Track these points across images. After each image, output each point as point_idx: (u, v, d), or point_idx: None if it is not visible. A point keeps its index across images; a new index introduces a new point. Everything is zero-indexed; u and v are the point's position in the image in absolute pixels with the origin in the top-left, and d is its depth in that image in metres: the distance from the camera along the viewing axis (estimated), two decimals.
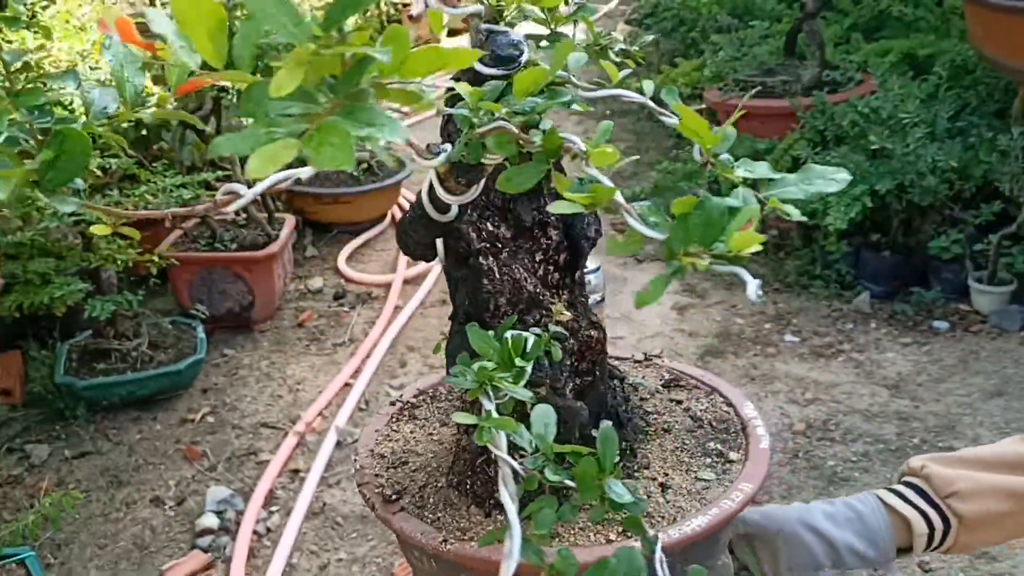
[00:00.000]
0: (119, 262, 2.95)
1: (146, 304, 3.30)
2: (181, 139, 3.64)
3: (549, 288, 1.27)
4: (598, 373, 1.32)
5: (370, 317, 3.67)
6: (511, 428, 0.89)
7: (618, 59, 1.37)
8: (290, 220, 3.76)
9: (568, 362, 1.25)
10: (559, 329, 1.22)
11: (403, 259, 4.07)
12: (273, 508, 2.65)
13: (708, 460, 1.33)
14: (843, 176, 0.89)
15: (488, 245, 1.24)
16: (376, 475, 1.38)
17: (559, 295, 1.28)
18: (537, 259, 1.27)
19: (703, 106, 4.37)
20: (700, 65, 4.47)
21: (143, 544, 2.54)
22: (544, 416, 0.94)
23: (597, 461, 0.90)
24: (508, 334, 0.98)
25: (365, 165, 4.38)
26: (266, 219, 3.64)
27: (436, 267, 4.01)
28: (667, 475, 1.30)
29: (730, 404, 1.46)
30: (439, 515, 1.27)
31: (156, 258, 3.12)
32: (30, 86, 0.93)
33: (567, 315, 1.25)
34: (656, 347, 1.66)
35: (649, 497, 1.26)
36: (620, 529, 1.20)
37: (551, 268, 1.28)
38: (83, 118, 0.91)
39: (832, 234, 3.36)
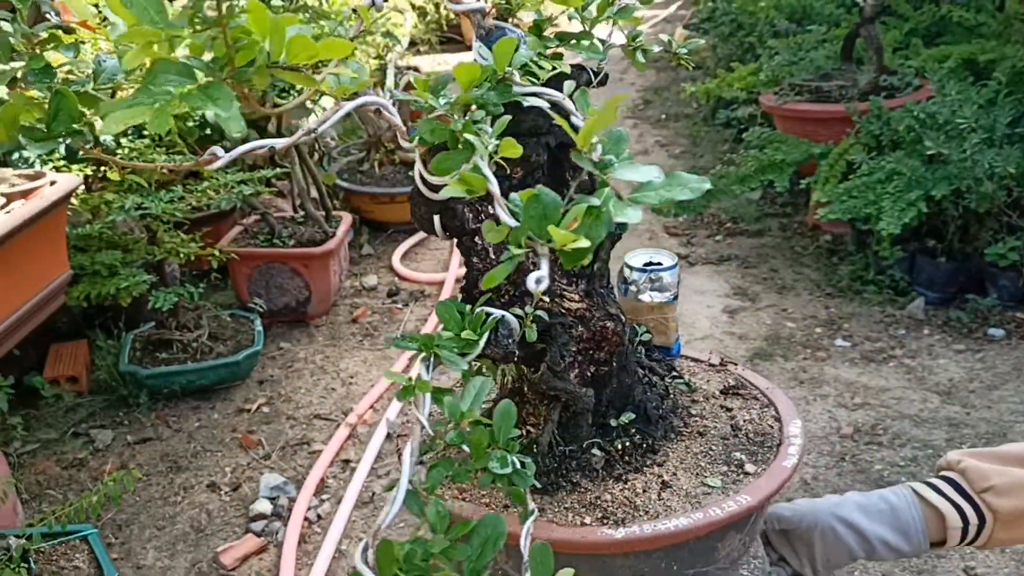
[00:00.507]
0: (182, 255, 3.06)
1: (206, 298, 3.41)
2: (245, 140, 3.74)
3: (569, 276, 1.31)
4: (615, 364, 1.35)
5: (422, 314, 3.74)
6: (427, 390, 0.97)
7: (674, 61, 1.41)
8: (347, 218, 3.85)
9: (573, 347, 1.29)
10: (561, 314, 1.27)
11: (455, 259, 4.14)
12: (324, 496, 2.73)
13: (724, 468, 1.33)
14: (702, 185, 0.93)
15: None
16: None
17: (576, 284, 1.31)
18: None
19: (759, 110, 4.37)
20: (756, 69, 4.47)
21: (199, 527, 2.63)
22: (478, 387, 0.99)
23: (491, 433, 0.95)
24: (480, 309, 1.04)
25: None
26: (324, 217, 3.73)
27: None
28: (675, 475, 1.32)
29: (778, 419, 1.44)
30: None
31: (217, 252, 3.22)
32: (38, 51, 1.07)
33: (576, 303, 1.28)
34: (705, 349, 1.67)
35: (644, 492, 1.28)
36: (600, 515, 1.25)
37: None
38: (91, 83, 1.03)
39: (886, 239, 3.34)
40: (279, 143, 1.04)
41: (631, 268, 1.54)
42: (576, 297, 1.31)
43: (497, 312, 1.07)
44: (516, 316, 1.12)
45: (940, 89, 3.58)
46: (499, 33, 1.20)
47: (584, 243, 0.85)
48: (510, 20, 1.30)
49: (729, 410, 1.47)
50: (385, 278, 4.07)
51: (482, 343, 1.02)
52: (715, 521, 1.21)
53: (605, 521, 1.24)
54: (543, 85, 1.18)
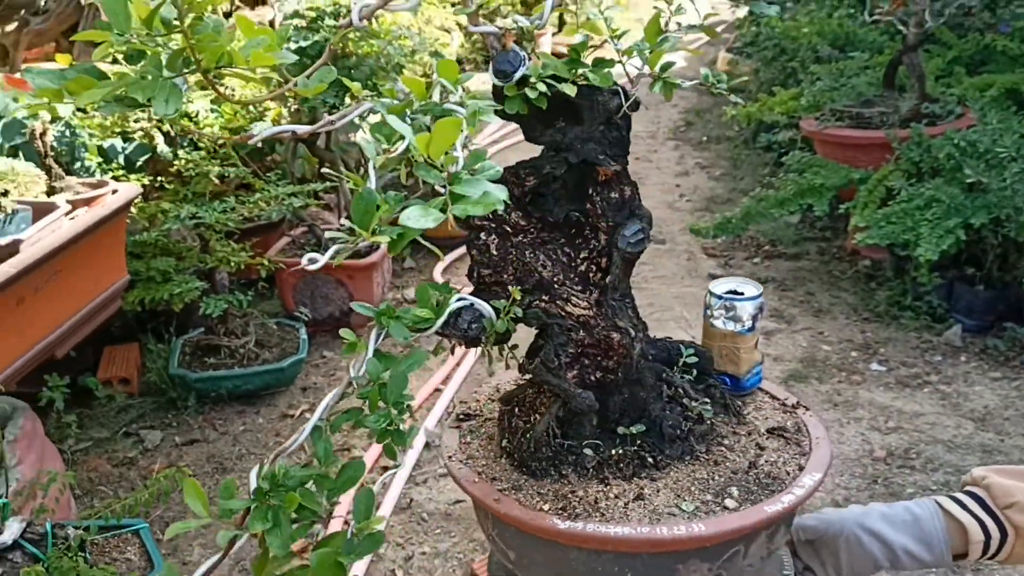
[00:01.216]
0: (233, 264, 3.17)
1: (253, 306, 3.51)
2: (293, 152, 3.86)
3: (586, 284, 1.39)
4: (622, 375, 1.41)
5: None
6: (363, 350, 1.14)
7: (711, 88, 1.48)
8: None
9: (572, 349, 1.37)
10: (562, 316, 1.37)
11: None
12: None
13: (709, 498, 1.36)
14: (500, 195, 1.03)
15: (493, 225, 1.39)
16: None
17: (589, 292, 1.39)
18: (580, 256, 1.41)
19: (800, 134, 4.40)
20: (798, 94, 4.50)
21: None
22: (411, 360, 1.16)
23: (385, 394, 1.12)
24: (455, 295, 1.22)
25: None
26: None
27: None
28: (657, 492, 1.37)
29: (801, 468, 1.43)
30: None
31: (266, 262, 3.33)
32: None
33: (581, 309, 1.37)
34: None
35: (615, 498, 1.35)
36: (560, 507, 1.36)
37: (594, 268, 1.41)
38: None
39: (924, 265, 3.36)
40: (300, 129, 1.19)
41: (712, 294, 1.58)
42: (583, 304, 1.38)
43: (465, 300, 1.21)
44: (495, 308, 1.26)
45: (982, 118, 3.60)
46: (507, 56, 1.30)
47: (384, 239, 1.02)
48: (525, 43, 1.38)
49: (761, 449, 1.47)
50: None
51: (438, 323, 1.18)
52: (656, 539, 1.26)
53: (560, 512, 1.33)
54: (564, 105, 1.29)
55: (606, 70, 1.33)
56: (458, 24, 5.75)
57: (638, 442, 1.42)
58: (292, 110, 3.72)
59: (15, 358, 2.25)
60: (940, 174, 3.56)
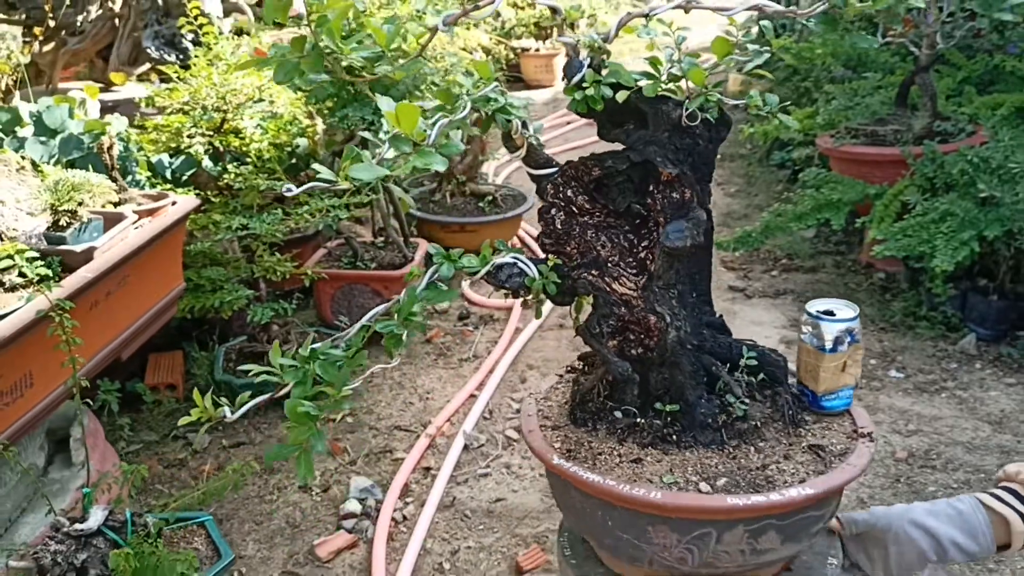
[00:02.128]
0: (279, 273, 3.31)
1: (292, 317, 3.64)
2: (330, 167, 4.00)
3: (642, 269, 1.58)
4: (657, 355, 1.58)
5: (492, 337, 3.95)
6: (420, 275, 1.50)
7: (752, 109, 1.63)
8: (423, 244, 4.09)
9: (613, 321, 1.59)
10: (607, 291, 1.59)
11: None
12: (408, 499, 2.93)
13: (694, 479, 1.50)
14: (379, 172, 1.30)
15: (562, 204, 1.62)
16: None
17: (639, 277, 1.57)
18: (641, 244, 1.60)
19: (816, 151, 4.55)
20: (813, 113, 4.66)
21: (294, 523, 2.84)
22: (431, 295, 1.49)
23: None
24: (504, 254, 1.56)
25: (490, 198, 4.69)
26: (403, 242, 3.97)
27: None
28: (658, 463, 1.53)
29: (802, 482, 1.49)
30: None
31: (309, 272, 3.47)
32: None
33: (625, 289, 1.58)
34: None
35: (617, 456, 1.56)
36: (567, 449, 1.60)
37: (651, 256, 1.58)
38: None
39: (939, 276, 3.49)
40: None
41: (806, 311, 1.67)
42: (630, 285, 1.58)
43: (507, 258, 1.54)
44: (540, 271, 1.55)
45: (994, 135, 3.75)
46: (570, 63, 1.53)
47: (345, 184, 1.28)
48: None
49: (787, 459, 1.54)
50: (456, 302, 4.30)
51: (483, 271, 1.52)
52: (615, 493, 1.46)
53: (564, 453, 1.57)
54: (635, 110, 1.50)
55: (653, 82, 1.49)
56: (480, 45, 5.92)
57: (668, 419, 1.58)
58: (329, 126, 3.88)
59: (89, 358, 2.39)
60: (954, 189, 3.70)
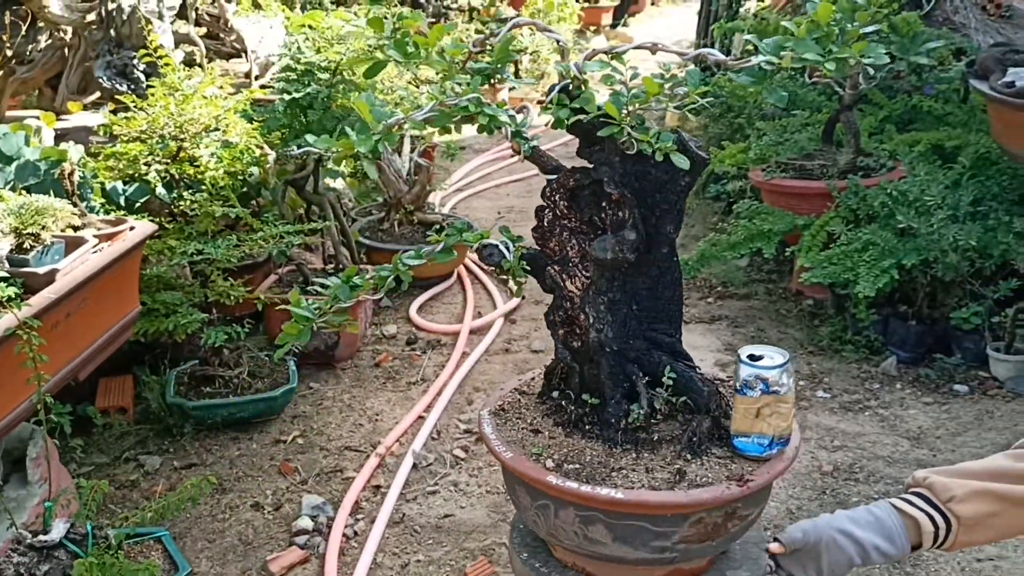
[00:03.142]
0: (232, 298, 3.39)
1: (244, 341, 3.72)
2: (282, 196, 4.11)
3: (590, 279, 1.80)
4: (584, 353, 1.79)
5: (439, 361, 4.07)
6: None
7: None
8: (371, 270, 4.19)
9: (561, 314, 1.84)
10: (560, 286, 1.83)
11: (469, 311, 4.49)
12: (359, 516, 3.02)
13: (556, 458, 1.74)
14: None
15: (551, 205, 1.85)
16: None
17: (582, 278, 1.80)
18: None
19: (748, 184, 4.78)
20: (745, 148, 4.89)
21: (247, 540, 2.92)
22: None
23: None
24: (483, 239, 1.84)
25: (437, 227, 4.82)
26: None
27: (499, 320, 4.42)
28: (551, 439, 1.79)
29: (638, 488, 1.66)
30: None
31: (261, 296, 3.56)
32: None
33: (573, 289, 1.82)
34: None
35: (529, 430, 1.83)
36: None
37: None
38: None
39: (862, 302, 3.72)
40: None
41: (737, 354, 1.74)
42: (579, 285, 1.81)
43: (491, 242, 1.81)
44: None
45: (911, 170, 4.02)
46: (552, 86, 1.74)
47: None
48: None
49: (646, 471, 1.69)
50: (403, 328, 4.41)
51: (475, 245, 1.83)
52: (499, 455, 1.76)
53: (495, 413, 1.90)
54: None
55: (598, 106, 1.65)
56: (427, 78, 6.07)
57: (588, 409, 1.79)
58: (281, 155, 3.99)
59: (50, 377, 2.45)
60: (875, 220, 3.94)
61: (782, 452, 1.74)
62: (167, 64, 3.48)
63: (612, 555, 1.68)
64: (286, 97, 3.63)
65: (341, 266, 4.08)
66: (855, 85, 4.31)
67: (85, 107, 5.16)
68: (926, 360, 3.82)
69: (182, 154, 3.42)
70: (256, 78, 5.68)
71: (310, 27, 4.12)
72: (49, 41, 5.21)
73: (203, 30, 6.09)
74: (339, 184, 5.11)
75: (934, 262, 3.67)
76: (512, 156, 7.49)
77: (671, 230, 1.76)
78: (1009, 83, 3.57)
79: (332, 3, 7.42)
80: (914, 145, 4.33)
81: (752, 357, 1.68)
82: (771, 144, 4.73)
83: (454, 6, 9.59)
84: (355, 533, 2.94)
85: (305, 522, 2.96)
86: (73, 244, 2.64)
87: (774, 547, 1.74)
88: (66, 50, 5.22)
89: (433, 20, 9.22)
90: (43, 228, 2.46)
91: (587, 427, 1.78)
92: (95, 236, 2.74)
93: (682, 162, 1.61)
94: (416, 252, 1.84)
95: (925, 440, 3.27)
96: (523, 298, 4.66)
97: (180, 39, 5.44)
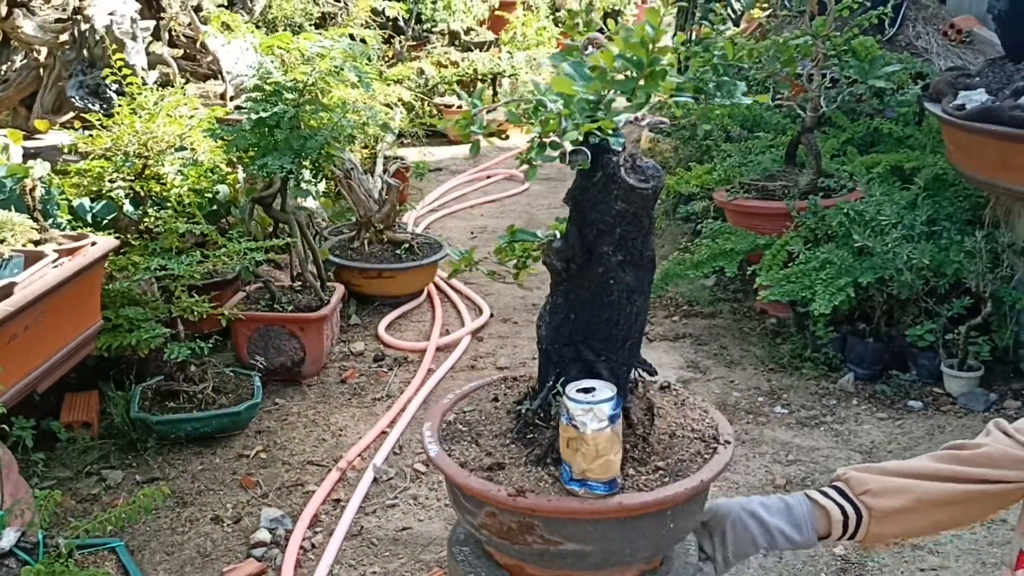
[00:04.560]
0: (196, 313, 3.43)
1: (209, 357, 3.75)
2: (250, 214, 4.16)
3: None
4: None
5: (406, 378, 4.11)
6: None
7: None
8: (340, 288, 4.25)
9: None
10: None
11: (436, 329, 4.54)
12: (317, 529, 3.05)
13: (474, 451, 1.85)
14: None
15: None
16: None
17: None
18: None
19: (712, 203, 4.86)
20: (711, 169, 4.98)
21: (205, 552, 2.94)
22: None
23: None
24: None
25: (407, 246, 4.88)
26: (319, 286, 4.12)
27: (466, 337, 4.47)
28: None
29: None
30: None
31: (225, 313, 3.60)
32: None
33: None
34: None
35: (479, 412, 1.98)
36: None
37: None
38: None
39: (820, 319, 3.78)
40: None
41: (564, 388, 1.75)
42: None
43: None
44: None
45: (868, 191, 4.10)
46: None
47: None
48: None
49: (511, 466, 1.82)
50: (371, 345, 4.45)
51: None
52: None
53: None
54: None
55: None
56: (401, 100, 6.15)
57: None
58: (249, 174, 4.04)
59: (7, 389, 2.48)
60: (833, 240, 4.02)
61: (589, 492, 1.65)
62: (131, 83, 3.53)
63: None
64: (253, 116, 3.68)
65: (307, 283, 4.13)
66: (816, 108, 4.41)
67: (64, 126, 5.21)
68: (883, 377, 3.88)
69: (147, 171, 3.47)
70: (231, 99, 5.73)
71: (279, 48, 4.18)
72: (24, 61, 5.25)
73: (179, 51, 6.15)
74: (312, 204, 5.17)
75: (890, 280, 3.74)
76: (487, 178, 7.58)
77: (608, 251, 1.75)
78: (960, 106, 3.66)
79: (312, 26, 7.51)
80: (873, 167, 4.42)
81: (584, 390, 1.66)
82: (736, 165, 4.82)
83: (435, 30, 9.70)
84: (312, 546, 2.97)
85: (263, 535, 2.99)
86: (33, 258, 2.68)
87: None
88: (40, 70, 5.26)
89: (414, 44, 9.33)
90: (2, 242, 2.49)
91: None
92: (55, 251, 2.78)
93: (582, 161, 1.67)
94: None
95: (877, 454, 3.33)
96: (492, 316, 4.71)
97: (155, 60, 5.50)
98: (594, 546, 1.69)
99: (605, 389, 1.66)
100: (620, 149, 1.69)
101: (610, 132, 1.61)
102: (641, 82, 1.58)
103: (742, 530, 1.80)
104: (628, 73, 1.59)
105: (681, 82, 1.71)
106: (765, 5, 6.80)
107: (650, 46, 1.55)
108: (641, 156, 1.75)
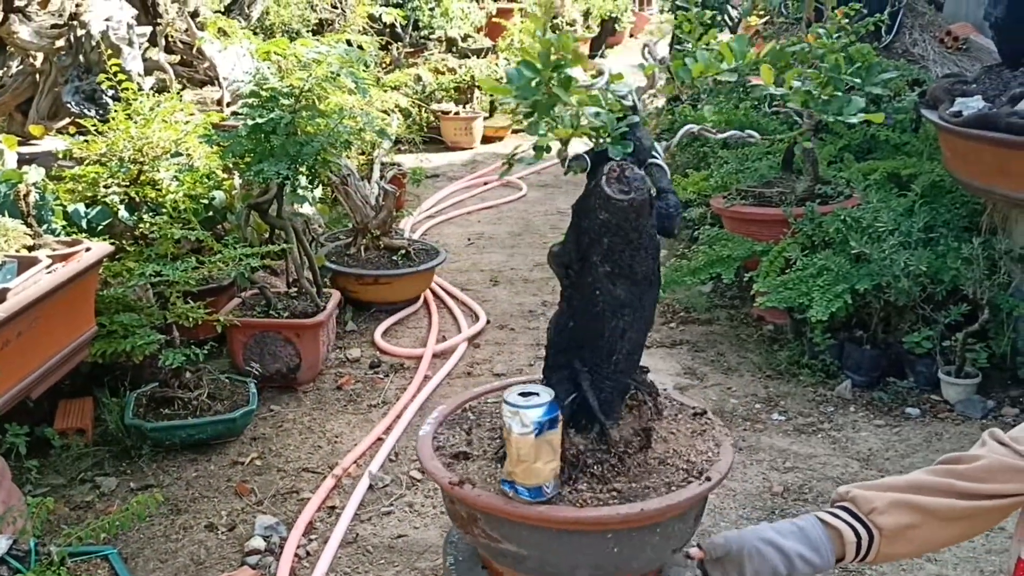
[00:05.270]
0: (191, 319, 3.42)
1: (204, 364, 3.74)
2: (246, 220, 4.15)
3: None
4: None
5: (402, 384, 4.10)
6: None
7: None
8: (336, 294, 4.23)
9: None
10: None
11: (432, 335, 4.53)
12: (312, 536, 3.03)
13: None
14: None
15: None
16: None
17: None
18: None
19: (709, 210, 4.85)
20: (708, 175, 4.97)
21: (199, 560, 2.92)
22: None
23: None
24: None
25: (404, 252, 4.87)
26: (315, 292, 4.11)
27: (463, 344, 4.45)
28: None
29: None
30: None
31: (221, 319, 3.58)
32: None
33: None
34: None
35: None
36: None
37: None
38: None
39: (816, 326, 3.77)
40: None
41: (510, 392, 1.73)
42: None
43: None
44: None
45: (865, 197, 4.09)
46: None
47: None
48: None
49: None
50: (367, 352, 4.43)
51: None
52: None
53: None
54: None
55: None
56: (398, 106, 6.15)
57: None
58: (246, 180, 4.03)
59: (0, 395, 2.47)
60: (830, 246, 4.02)
61: (516, 495, 1.63)
62: (126, 88, 3.52)
63: None
64: (249, 122, 3.67)
65: (303, 290, 4.11)
66: (812, 115, 4.39)
67: (59, 131, 5.20)
68: (880, 384, 3.87)
69: (142, 177, 3.45)
70: (228, 105, 5.73)
71: (276, 54, 4.18)
72: (20, 67, 5.24)
73: (176, 58, 6.15)
74: (309, 210, 5.16)
75: (887, 287, 3.74)
76: (483, 185, 7.57)
77: (597, 261, 1.74)
78: (956, 112, 3.66)
79: (310, 32, 7.51)
80: (870, 173, 4.42)
81: (525, 394, 1.65)
82: (732, 172, 4.82)
83: (433, 37, 9.70)
84: (307, 553, 2.95)
85: (258, 542, 2.97)
86: (26, 264, 2.66)
87: (694, 552, 1.77)
88: (36, 76, 5.25)
89: (412, 50, 9.33)
90: None
91: None
92: (49, 256, 2.77)
93: (577, 167, 1.65)
94: None
95: (874, 461, 3.31)
96: (488, 322, 4.70)
97: (152, 66, 5.49)
98: (529, 552, 1.67)
99: (544, 396, 1.64)
100: (619, 158, 1.67)
101: (609, 140, 1.61)
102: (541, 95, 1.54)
103: (759, 559, 1.75)
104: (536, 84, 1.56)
105: (787, 94, 1.67)
106: (762, 12, 6.83)
107: (551, 57, 1.52)
108: (633, 168, 1.72)
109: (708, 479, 1.78)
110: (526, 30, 9.91)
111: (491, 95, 8.40)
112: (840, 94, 1.67)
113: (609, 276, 1.73)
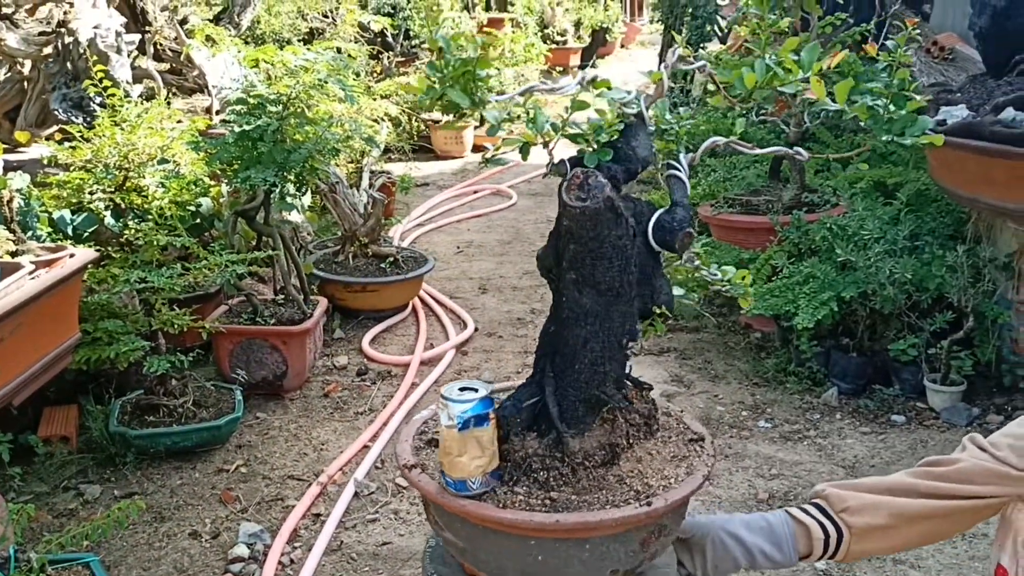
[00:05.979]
0: (176, 326, 3.41)
1: (190, 371, 3.73)
2: (233, 226, 4.14)
3: None
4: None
5: (389, 392, 4.09)
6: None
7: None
8: (323, 301, 4.23)
9: None
10: None
11: (420, 343, 4.52)
12: (296, 544, 3.02)
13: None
14: None
15: None
16: None
17: None
18: None
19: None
20: (695, 184, 4.99)
21: (182, 568, 2.91)
22: None
23: None
24: None
25: (392, 259, 4.87)
26: (302, 299, 4.10)
27: (450, 351, 4.45)
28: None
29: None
30: None
31: (207, 326, 3.58)
32: None
33: None
34: None
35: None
36: None
37: None
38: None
39: (803, 333, 3.78)
40: None
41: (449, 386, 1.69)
42: None
43: None
44: None
45: (851, 206, 4.11)
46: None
47: None
48: None
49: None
50: (355, 359, 4.43)
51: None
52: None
53: None
54: None
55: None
56: (387, 115, 6.16)
57: None
58: (233, 187, 4.02)
59: None
60: (817, 254, 4.03)
61: (445, 485, 1.62)
62: (112, 95, 3.52)
63: None
64: (236, 129, 3.67)
65: (290, 297, 4.11)
66: (799, 123, 4.42)
67: (47, 139, 5.19)
68: (866, 391, 3.88)
69: (128, 184, 3.45)
70: (218, 112, 5.73)
71: (264, 61, 4.18)
72: (8, 74, 5.24)
73: (166, 66, 6.15)
74: (297, 218, 5.15)
75: (873, 295, 3.75)
76: (473, 193, 7.58)
77: (565, 267, 1.69)
78: (941, 121, 3.68)
79: (300, 41, 7.52)
80: (856, 182, 4.44)
81: (464, 388, 1.62)
82: (720, 180, 4.83)
83: (423, 46, 9.72)
84: (291, 561, 2.94)
85: (241, 550, 2.96)
86: (9, 270, 2.65)
87: None
88: (24, 83, 5.25)
89: (402, 59, 9.35)
90: None
91: None
92: (32, 262, 2.76)
93: (556, 171, 1.65)
94: None
95: (860, 468, 3.32)
96: (476, 330, 4.70)
97: (141, 74, 5.49)
98: (465, 544, 1.67)
99: (481, 391, 1.63)
100: (593, 164, 1.66)
101: (591, 147, 1.60)
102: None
103: (721, 549, 1.78)
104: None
105: (843, 110, 1.64)
106: (755, 22, 6.84)
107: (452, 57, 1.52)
108: (598, 175, 1.69)
109: (648, 504, 1.74)
110: (517, 40, 9.95)
111: None
112: (905, 112, 1.61)
113: (575, 283, 1.72)
